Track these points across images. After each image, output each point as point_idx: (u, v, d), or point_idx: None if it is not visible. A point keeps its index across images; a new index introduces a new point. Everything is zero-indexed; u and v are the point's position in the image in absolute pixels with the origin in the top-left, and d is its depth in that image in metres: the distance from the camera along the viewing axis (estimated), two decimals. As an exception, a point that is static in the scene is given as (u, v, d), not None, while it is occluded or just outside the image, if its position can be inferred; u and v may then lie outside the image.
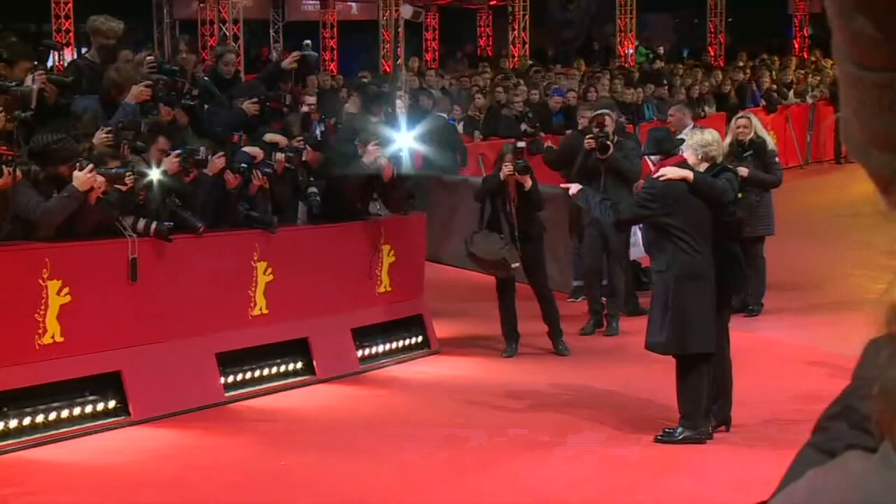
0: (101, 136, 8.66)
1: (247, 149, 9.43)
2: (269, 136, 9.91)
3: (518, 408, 8.69)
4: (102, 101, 9.21)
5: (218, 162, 8.94)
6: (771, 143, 11.54)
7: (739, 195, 10.89)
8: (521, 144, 10.46)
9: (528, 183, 9.87)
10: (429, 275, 11.11)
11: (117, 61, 9.57)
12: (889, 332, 0.86)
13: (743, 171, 10.72)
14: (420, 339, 10.53)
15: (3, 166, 7.66)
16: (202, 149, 8.92)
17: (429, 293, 10.87)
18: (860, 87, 0.85)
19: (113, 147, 8.63)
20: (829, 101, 23.77)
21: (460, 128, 17.44)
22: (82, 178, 7.92)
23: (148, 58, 10.17)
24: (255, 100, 10.17)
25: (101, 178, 7.99)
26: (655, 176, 7.76)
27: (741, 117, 11.53)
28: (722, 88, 22.64)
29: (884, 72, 0.83)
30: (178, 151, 8.71)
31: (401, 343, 10.39)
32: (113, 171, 8.15)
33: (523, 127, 17.63)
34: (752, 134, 11.21)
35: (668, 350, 7.62)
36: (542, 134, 17.94)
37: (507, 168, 9.88)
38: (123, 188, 8.16)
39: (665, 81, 21.95)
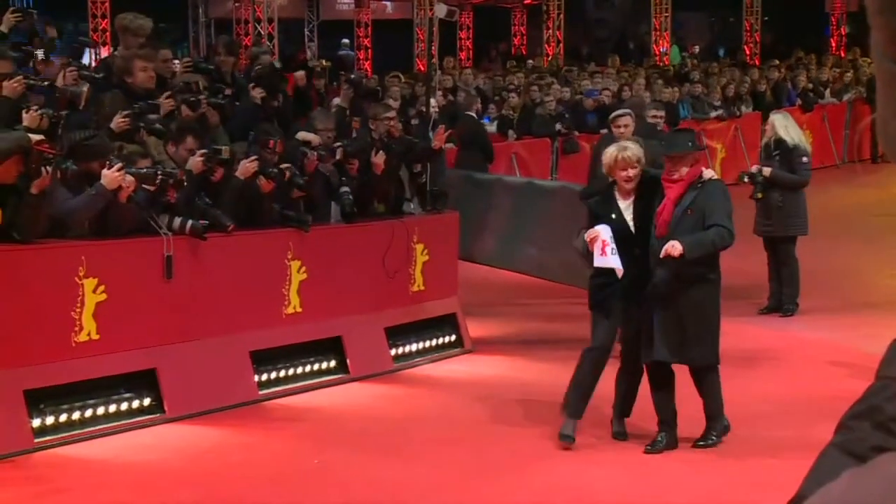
0: (118, 121, 8.67)
1: (301, 135, 9.49)
2: (301, 135, 9.94)
3: (552, 408, 8.68)
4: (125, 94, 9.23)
5: (250, 166, 8.92)
6: (795, 141, 11.31)
7: (759, 195, 10.87)
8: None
9: None
10: (462, 274, 11.12)
11: (154, 61, 9.62)
12: None
13: (766, 170, 10.70)
14: (453, 338, 10.53)
15: (44, 166, 7.70)
16: (225, 148, 8.93)
17: (462, 292, 10.88)
18: None
19: (131, 131, 8.63)
20: (866, 100, 23.59)
21: (493, 127, 17.43)
22: (111, 176, 7.94)
23: (185, 59, 10.24)
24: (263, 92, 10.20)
25: (129, 178, 8.00)
26: (708, 178, 7.67)
27: (768, 120, 11.47)
28: (758, 87, 22.53)
29: None
30: (202, 151, 8.74)
31: (434, 342, 10.39)
32: (143, 170, 8.16)
33: (557, 126, 17.62)
34: (772, 134, 11.15)
35: (711, 359, 7.65)
36: (577, 133, 17.94)
37: None
38: (152, 188, 8.18)
39: (698, 80, 21.86)
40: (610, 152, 7.60)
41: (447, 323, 10.54)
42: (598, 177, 10.49)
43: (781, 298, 11.22)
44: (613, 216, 7.62)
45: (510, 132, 17.55)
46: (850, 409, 1.02)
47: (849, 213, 17.01)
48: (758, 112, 21.19)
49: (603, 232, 7.53)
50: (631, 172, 7.50)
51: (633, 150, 7.62)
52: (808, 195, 11.36)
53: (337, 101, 13.51)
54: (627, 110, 10.59)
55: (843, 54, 30.05)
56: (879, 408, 0.98)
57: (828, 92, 23.95)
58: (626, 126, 9.84)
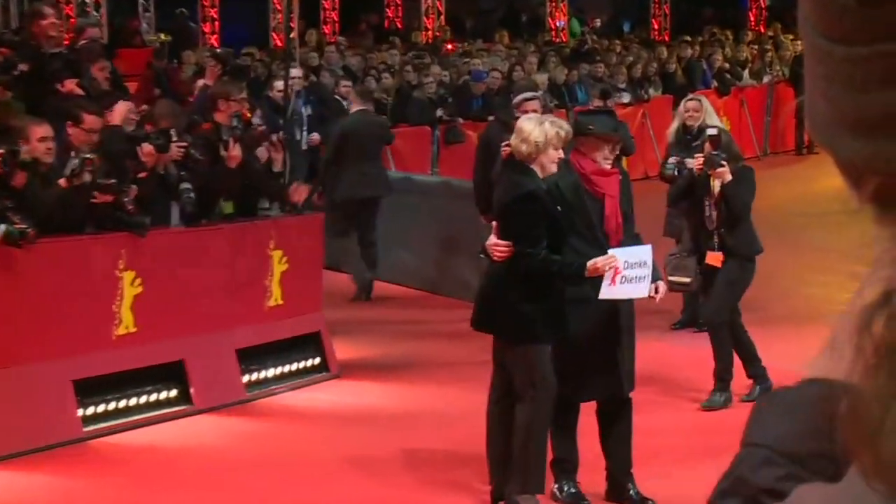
0: None
1: None
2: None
3: (432, 442, 8.65)
4: None
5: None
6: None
7: None
8: (713, 131, 9.79)
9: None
10: (327, 285, 11.08)
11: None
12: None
13: (691, 163, 10.74)
14: (317, 361, 10.52)
15: None
16: (26, 148, 8.64)
17: (328, 307, 10.85)
18: (829, 63, 0.87)
19: None
20: (789, 82, 24.08)
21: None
22: None
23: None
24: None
25: None
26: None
27: (691, 100, 11.52)
28: (667, 67, 22.86)
29: (857, 45, 0.84)
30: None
31: (295, 366, 10.36)
32: None
33: (438, 113, 17.63)
34: (702, 120, 11.25)
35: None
36: (461, 121, 17.95)
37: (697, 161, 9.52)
38: None
39: (600, 59, 22.12)
40: (544, 129, 7.36)
41: (310, 343, 10.51)
42: (487, 170, 10.52)
43: (697, 310, 11.30)
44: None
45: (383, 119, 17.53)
46: (717, 485, 1.02)
47: (768, 212, 17.04)
48: (668, 95, 21.47)
49: (623, 256, 7.33)
50: (561, 154, 7.45)
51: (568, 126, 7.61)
52: None
53: (202, 81, 13.37)
54: (536, 93, 10.69)
55: (762, 30, 30.65)
56: (745, 480, 1.00)
57: (746, 73, 24.40)
58: (534, 111, 9.68)
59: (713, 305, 9.72)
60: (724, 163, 9.34)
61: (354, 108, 13.45)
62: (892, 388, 0.84)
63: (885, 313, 0.85)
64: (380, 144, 13.80)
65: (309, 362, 10.46)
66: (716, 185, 9.43)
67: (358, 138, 12.92)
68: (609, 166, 7.66)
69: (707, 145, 9.57)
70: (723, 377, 9.52)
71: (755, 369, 9.66)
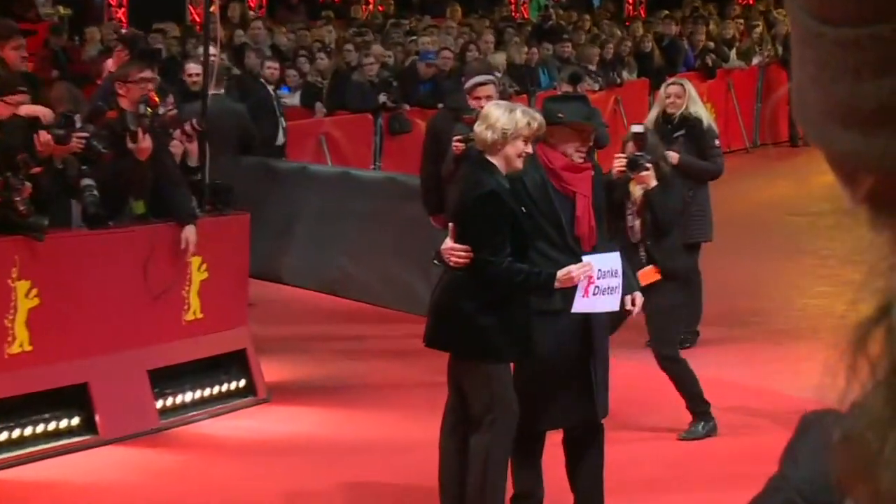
0: None
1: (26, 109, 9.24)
2: (26, 109, 9.67)
3: (377, 476, 8.64)
4: None
5: None
6: (708, 119, 11.69)
7: None
8: (639, 129, 9.82)
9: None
10: (254, 296, 11.11)
11: None
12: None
13: (673, 156, 10.80)
14: (242, 383, 10.50)
15: None
16: None
17: (254, 321, 10.84)
18: (820, 47, 0.88)
19: None
20: (782, 63, 24.20)
21: (296, 98, 17.31)
22: None
23: None
24: None
25: None
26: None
27: (673, 84, 11.69)
28: (643, 46, 22.91)
29: (850, 26, 0.85)
30: None
31: (216, 389, 10.34)
32: None
33: (382, 99, 17.61)
34: (685, 107, 11.32)
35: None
36: (407, 107, 17.95)
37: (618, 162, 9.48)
38: None
39: (566, 37, 22.13)
40: (514, 117, 7.33)
41: (234, 363, 10.49)
42: (435, 164, 10.54)
43: None
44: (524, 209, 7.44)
45: (318, 105, 17.54)
46: None
47: (761, 213, 17.35)
48: (644, 79, 21.51)
49: (598, 263, 7.34)
50: (529, 148, 7.41)
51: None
52: (710, 189, 11.58)
53: (110, 62, 13.31)
54: (490, 76, 10.66)
55: (751, 2, 30.81)
56: None
57: (733, 53, 24.49)
58: (487, 98, 9.80)
59: (655, 340, 9.69)
60: (648, 166, 9.28)
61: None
62: (890, 413, 0.85)
63: (881, 329, 0.85)
64: (237, 141, 13.46)
65: (233, 385, 10.43)
66: (636, 190, 9.40)
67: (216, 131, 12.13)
68: (581, 160, 7.65)
69: (630, 145, 9.51)
70: (696, 409, 9.49)
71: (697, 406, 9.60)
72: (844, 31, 0.85)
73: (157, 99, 10.63)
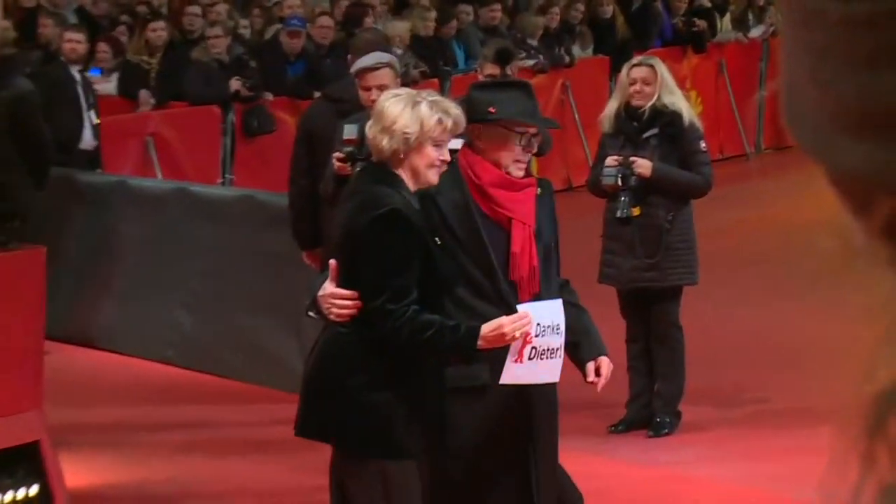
0: None
1: None
2: None
3: None
4: None
5: None
6: (690, 113, 11.79)
7: (634, 211, 11.18)
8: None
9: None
10: (53, 366, 11.08)
11: None
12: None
13: (644, 166, 10.78)
14: (35, 489, 10.29)
15: None
16: None
17: (55, 403, 10.78)
18: (821, 29, 0.97)
19: None
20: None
21: (111, 86, 17.07)
22: None
23: None
24: None
25: None
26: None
27: (638, 65, 11.86)
28: (601, 11, 22.94)
29: (862, 0, 0.93)
30: None
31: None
32: None
33: (234, 86, 17.67)
34: (657, 96, 11.40)
35: None
36: (270, 96, 18.00)
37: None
38: None
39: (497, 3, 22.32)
40: (419, 113, 7.37)
41: (22, 461, 10.32)
42: (311, 176, 10.53)
43: (651, 403, 11.49)
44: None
45: (142, 94, 17.84)
46: None
47: (762, 245, 17.45)
48: (603, 57, 21.62)
49: (537, 315, 7.42)
50: (446, 155, 7.48)
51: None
52: (693, 210, 11.74)
53: None
54: (386, 55, 10.79)
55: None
56: None
57: (727, 20, 24.59)
58: (381, 87, 9.85)
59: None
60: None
61: None
62: None
63: None
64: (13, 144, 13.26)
65: (21, 492, 10.26)
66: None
67: None
68: (521, 174, 7.75)
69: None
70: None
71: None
72: (854, 5, 0.93)
73: None
